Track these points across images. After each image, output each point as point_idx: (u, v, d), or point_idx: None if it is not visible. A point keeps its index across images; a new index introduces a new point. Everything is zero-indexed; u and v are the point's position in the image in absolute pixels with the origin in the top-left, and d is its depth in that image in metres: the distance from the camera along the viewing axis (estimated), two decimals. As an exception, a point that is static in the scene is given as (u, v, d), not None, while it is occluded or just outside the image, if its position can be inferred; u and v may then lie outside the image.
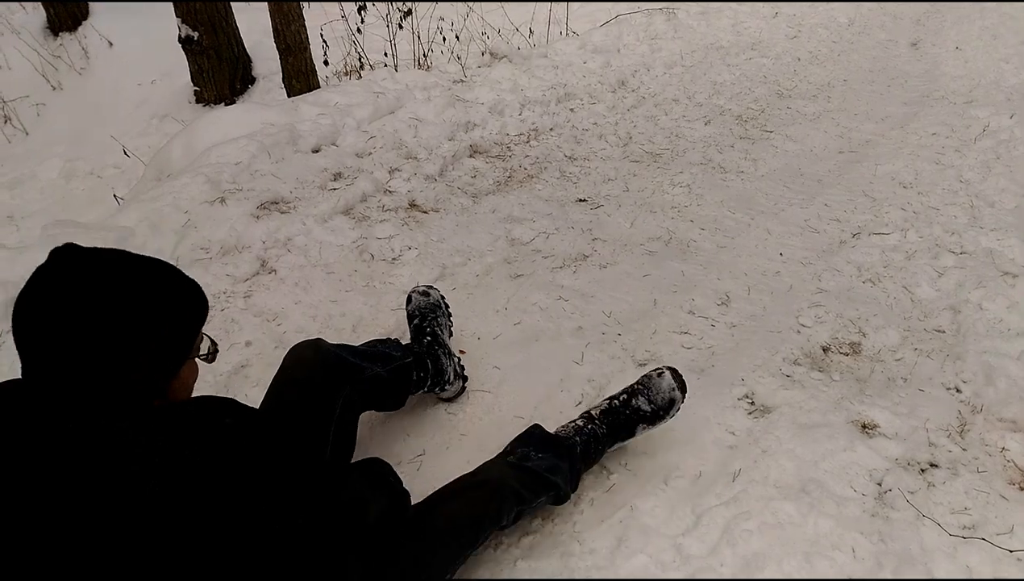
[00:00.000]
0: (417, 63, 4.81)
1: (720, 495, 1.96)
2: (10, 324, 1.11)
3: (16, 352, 1.11)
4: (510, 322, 2.62)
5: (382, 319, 2.57)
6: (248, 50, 5.61)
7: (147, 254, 1.24)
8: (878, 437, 2.18)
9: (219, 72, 5.38)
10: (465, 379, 2.29)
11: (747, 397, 2.35)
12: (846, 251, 3.19)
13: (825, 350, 2.61)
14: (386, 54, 4.80)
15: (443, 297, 2.42)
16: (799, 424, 2.21)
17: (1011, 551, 1.82)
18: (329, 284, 2.68)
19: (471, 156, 3.79)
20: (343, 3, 4.95)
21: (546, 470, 1.80)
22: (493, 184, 3.57)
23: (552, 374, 2.42)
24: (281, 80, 4.56)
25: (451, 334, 2.41)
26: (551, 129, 4.21)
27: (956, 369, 2.50)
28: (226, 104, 5.33)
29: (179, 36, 5.20)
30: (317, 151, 3.50)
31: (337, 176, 3.32)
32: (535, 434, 1.93)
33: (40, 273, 1.12)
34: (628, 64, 5.17)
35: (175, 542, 1.05)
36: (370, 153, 3.55)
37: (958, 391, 2.42)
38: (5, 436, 1.05)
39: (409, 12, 4.90)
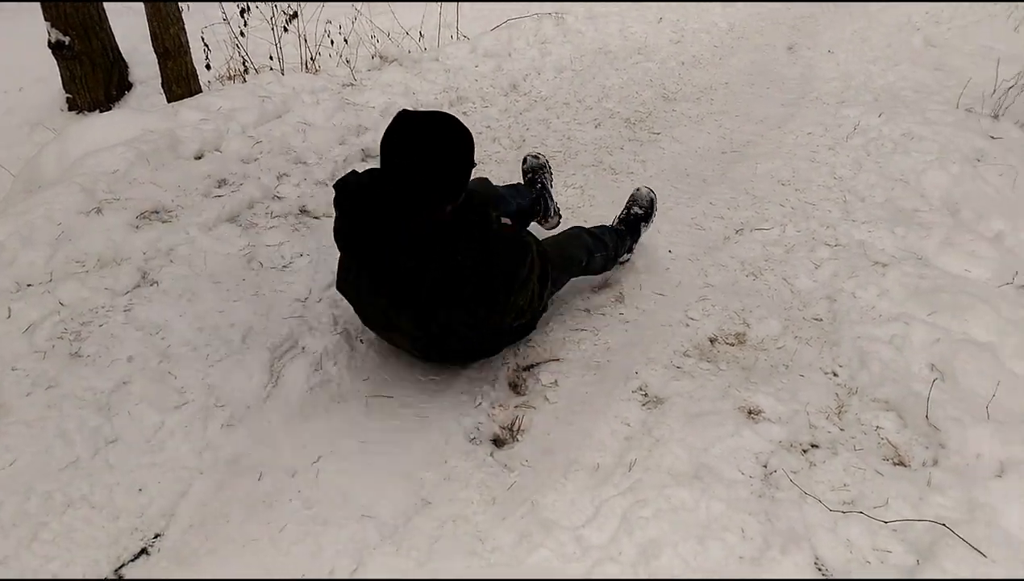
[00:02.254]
0: (304, 66, 4.70)
1: (617, 485, 2.01)
2: None
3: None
4: (407, 325, 2.60)
5: (273, 328, 2.50)
6: (125, 55, 5.36)
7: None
8: (763, 422, 2.28)
9: (93, 78, 5.11)
10: (560, 217, 3.35)
11: (641, 389, 2.42)
12: (730, 246, 3.32)
13: (712, 341, 2.72)
14: (271, 57, 4.67)
15: (548, 160, 3.46)
16: (690, 413, 2.29)
17: (886, 522, 1.93)
18: (216, 294, 2.59)
19: (363, 160, 3.74)
20: (224, 3, 4.80)
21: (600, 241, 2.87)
22: (386, 188, 3.54)
23: (453, 376, 2.42)
24: (160, 85, 4.38)
25: (552, 184, 3.43)
26: (444, 132, 4.20)
27: (833, 355, 2.65)
28: (101, 111, 5.07)
29: (49, 41, 4.91)
30: (200, 157, 3.37)
31: (222, 182, 3.21)
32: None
33: (402, 119, 1.91)
34: (519, 68, 5.22)
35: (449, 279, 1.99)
36: (256, 158, 3.45)
37: (835, 375, 2.56)
38: (366, 207, 2.01)
39: (295, 15, 4.79)
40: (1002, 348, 2.65)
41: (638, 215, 3.20)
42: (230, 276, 2.69)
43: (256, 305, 2.58)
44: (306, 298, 2.66)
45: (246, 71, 4.59)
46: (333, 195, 2.10)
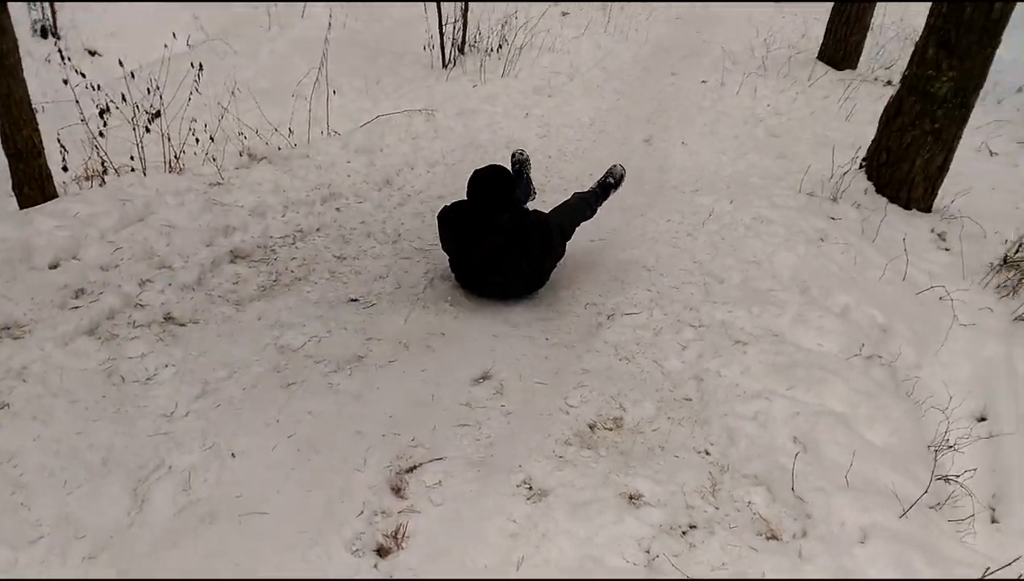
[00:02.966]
0: (168, 166, 4.59)
1: (506, 587, 1.99)
2: None
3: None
4: (283, 435, 2.52)
5: (137, 447, 2.36)
6: (-30, 156, 5.07)
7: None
8: (644, 506, 2.33)
9: (-66, 181, 4.80)
10: (535, 195, 4.93)
11: (525, 483, 2.43)
12: (603, 332, 3.43)
13: (592, 427, 2.78)
14: (133, 158, 4.54)
15: (528, 155, 5.04)
16: (573, 503, 2.32)
17: (764, 598, 2.00)
18: (73, 414, 2.43)
19: (232, 261, 3.66)
20: (82, 104, 4.65)
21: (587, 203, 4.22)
22: (258, 289, 3.47)
23: (332, 485, 2.35)
24: (11, 189, 4.15)
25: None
26: (318, 230, 4.19)
27: (704, 433, 2.76)
28: (-56, 216, 4.74)
29: None
30: (55, 266, 3.21)
31: (79, 293, 3.06)
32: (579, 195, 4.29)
33: (483, 172, 3.50)
34: (392, 163, 5.30)
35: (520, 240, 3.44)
36: (117, 265, 3.31)
37: (707, 454, 2.66)
38: (468, 220, 3.47)
39: (158, 113, 4.70)
40: (855, 418, 2.85)
41: (610, 183, 4.44)
42: (89, 393, 2.54)
43: (118, 423, 2.44)
44: (172, 412, 2.54)
45: (105, 172, 4.43)
46: (436, 225, 3.71)
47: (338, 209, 4.51)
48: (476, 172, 3.50)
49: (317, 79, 6.04)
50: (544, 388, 2.99)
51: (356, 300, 3.53)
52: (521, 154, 4.87)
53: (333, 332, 3.19)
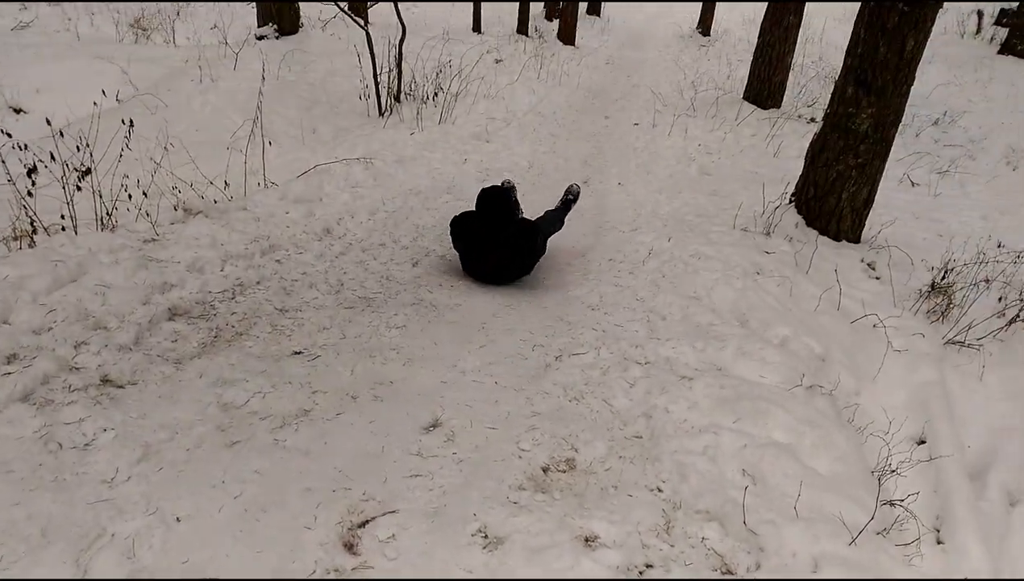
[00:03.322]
0: (100, 224, 4.48)
1: (465, 641, 1.95)
2: None
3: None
4: (230, 495, 2.45)
5: (77, 516, 2.26)
6: None
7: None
8: (600, 548, 2.33)
9: None
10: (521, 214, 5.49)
11: (481, 531, 2.41)
12: (552, 373, 3.45)
13: (545, 470, 2.77)
14: (63, 217, 4.42)
15: (514, 185, 5.81)
16: (530, 549, 2.30)
17: (723, 635, 2.01)
18: (8, 485, 2.32)
19: (171, 319, 3.57)
20: (8, 163, 4.52)
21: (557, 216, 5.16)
22: (198, 347, 3.39)
23: (283, 545, 2.29)
24: (-67, 253, 4.00)
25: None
26: (258, 283, 4.12)
27: (656, 470, 2.78)
28: None
29: None
30: (-16, 331, 3.08)
31: (11, 358, 2.94)
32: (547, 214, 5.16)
33: (491, 191, 4.53)
34: (332, 212, 5.27)
35: (519, 248, 4.49)
36: (50, 328, 3.20)
37: (660, 491, 2.68)
38: (478, 226, 4.47)
39: (88, 170, 4.59)
40: (800, 448, 2.91)
41: (570, 200, 5.40)
42: (25, 463, 2.43)
43: (56, 492, 2.33)
44: (113, 478, 2.45)
45: (35, 233, 4.29)
46: (449, 229, 4.65)
47: (278, 261, 4.45)
48: (484, 191, 4.51)
49: (252, 131, 6.00)
50: (495, 433, 2.98)
51: (300, 353, 3.48)
52: (509, 182, 5.82)
53: (277, 387, 3.13)
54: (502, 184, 5.64)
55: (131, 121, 4.78)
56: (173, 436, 2.70)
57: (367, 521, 2.45)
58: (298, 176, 5.80)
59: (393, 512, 2.49)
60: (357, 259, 4.67)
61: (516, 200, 5.29)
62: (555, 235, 5.06)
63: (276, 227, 4.86)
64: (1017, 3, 12.06)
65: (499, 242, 4.43)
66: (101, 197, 4.54)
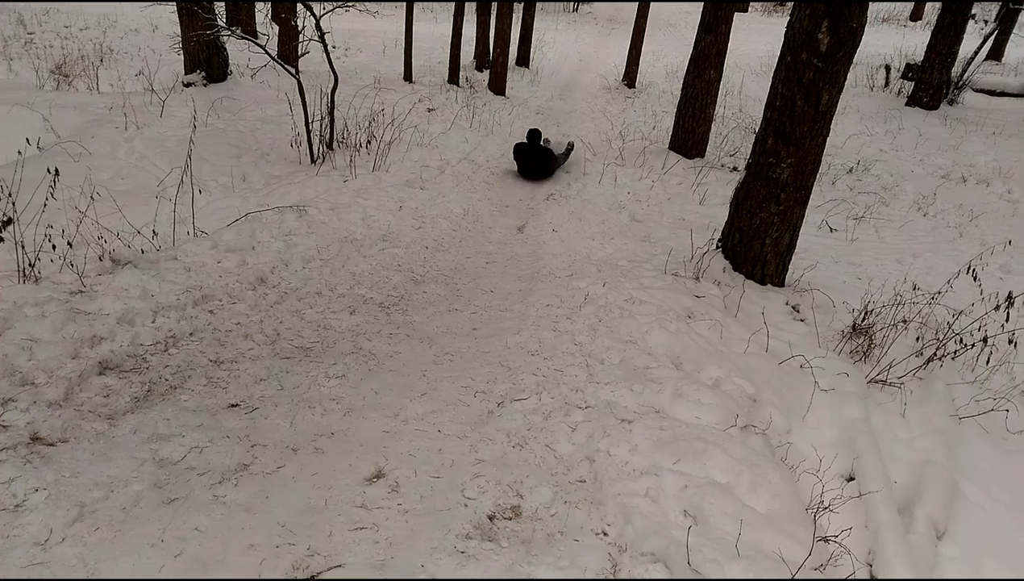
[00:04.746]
0: (23, 276, 4.33)
1: None
2: None
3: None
4: (170, 555, 2.38)
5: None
6: None
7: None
8: (551, 595, 2.34)
9: None
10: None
11: (429, 583, 2.39)
12: (494, 420, 3.46)
13: (491, 518, 2.78)
14: (-17, 268, 4.26)
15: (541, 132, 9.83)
16: (481, 600, 2.29)
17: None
18: (-72, 553, 2.20)
19: (101, 373, 3.46)
20: (-77, 214, 4.33)
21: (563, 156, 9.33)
22: (131, 401, 3.29)
23: (224, 605, 2.23)
24: None
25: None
26: (191, 334, 4.03)
27: (600, 514, 2.82)
28: None
29: None
30: (-101, 391, 2.93)
31: (-70, 418, 2.81)
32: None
33: (532, 134, 8.74)
34: (265, 261, 5.21)
35: (544, 160, 8.72)
36: (-27, 385, 3.07)
37: (605, 535, 2.71)
38: (526, 148, 8.67)
39: (9, 221, 4.44)
40: (738, 486, 2.99)
41: (570, 148, 9.29)
42: (-54, 529, 2.31)
43: (-19, 560, 2.23)
44: (46, 540, 2.35)
45: (-49, 285, 4.12)
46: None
47: (211, 311, 4.37)
48: (530, 131, 8.70)
49: (181, 178, 5.91)
50: (440, 482, 2.97)
51: (237, 405, 3.41)
52: (537, 130, 8.80)
53: (215, 441, 3.06)
54: (534, 131, 8.75)
55: (56, 170, 4.66)
56: (108, 494, 2.61)
57: (313, 577, 2.40)
58: (229, 224, 5.72)
59: (339, 566, 2.46)
60: (293, 308, 4.61)
61: (544, 138, 9.23)
62: (496, 279, 5.13)
63: (208, 277, 4.78)
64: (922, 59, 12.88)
65: (535, 157, 8.58)
66: (24, 248, 4.39)
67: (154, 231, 5.37)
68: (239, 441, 3.09)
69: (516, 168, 8.79)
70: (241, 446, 3.05)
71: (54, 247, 4.60)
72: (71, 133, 7.36)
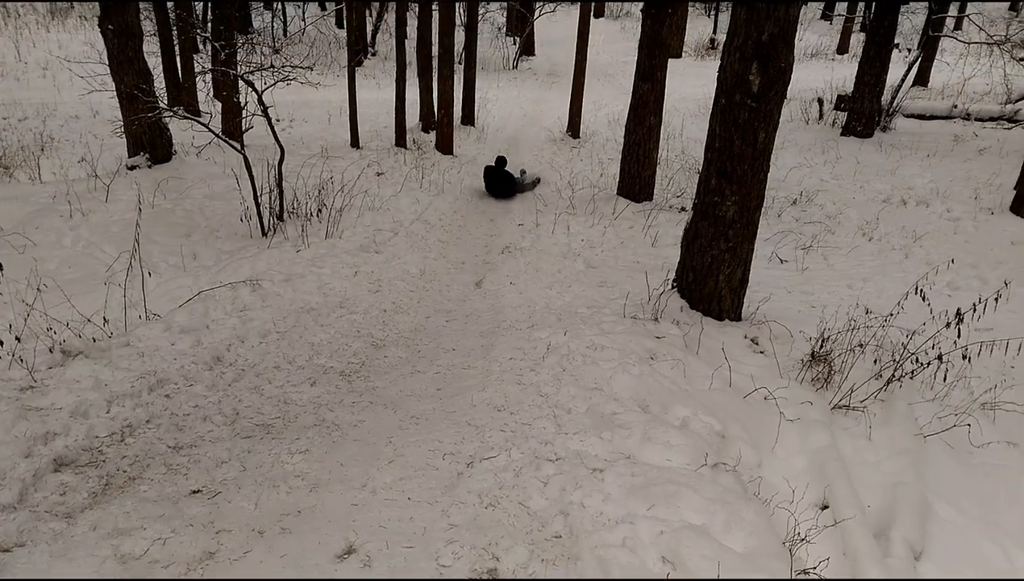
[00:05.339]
0: (-31, 374, 4.20)
1: None
2: None
3: None
4: (134, 658, 2.27)
5: None
6: None
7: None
8: (535, 659, 2.28)
9: None
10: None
11: (409, 659, 2.32)
12: (465, 481, 3.41)
13: (463, 585, 2.71)
14: (-73, 370, 4.13)
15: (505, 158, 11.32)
16: (464, 671, 2.23)
17: None
18: None
19: (56, 470, 3.35)
20: None
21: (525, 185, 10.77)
22: (89, 497, 3.18)
23: None
24: None
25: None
26: (147, 422, 3.93)
27: (578, 570, 2.78)
28: None
29: None
30: None
31: None
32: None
33: (496, 163, 10.46)
34: (220, 339, 5.13)
35: (507, 184, 10.37)
36: (-82, 495, 2.94)
37: (586, 590, 2.66)
38: (492, 172, 10.35)
39: (-48, 319, 4.33)
40: (714, 527, 2.98)
41: (536, 181, 10.78)
42: None
43: None
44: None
45: None
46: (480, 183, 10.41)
47: (167, 396, 4.27)
48: (498, 158, 10.39)
49: (130, 262, 5.82)
50: (413, 552, 2.91)
51: (199, 491, 3.32)
52: (503, 157, 10.52)
53: (178, 531, 2.96)
54: (500, 158, 10.44)
55: (0, 264, 4.56)
56: (67, 599, 2.50)
57: (288, 665, 2.32)
58: (181, 305, 5.64)
59: (315, 651, 2.37)
60: (252, 385, 4.53)
61: (506, 161, 10.44)
62: (455, 343, 5.15)
63: (163, 360, 4.68)
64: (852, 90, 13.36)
65: (500, 178, 10.19)
66: (-32, 346, 4.27)
67: (104, 318, 5.26)
68: (203, 528, 2.99)
69: (484, 186, 10.51)
70: (206, 533, 2.96)
71: (1, 343, 4.48)
72: (14, 225, 7.23)
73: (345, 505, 3.23)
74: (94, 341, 4.82)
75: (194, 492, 3.29)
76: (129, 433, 3.79)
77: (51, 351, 4.62)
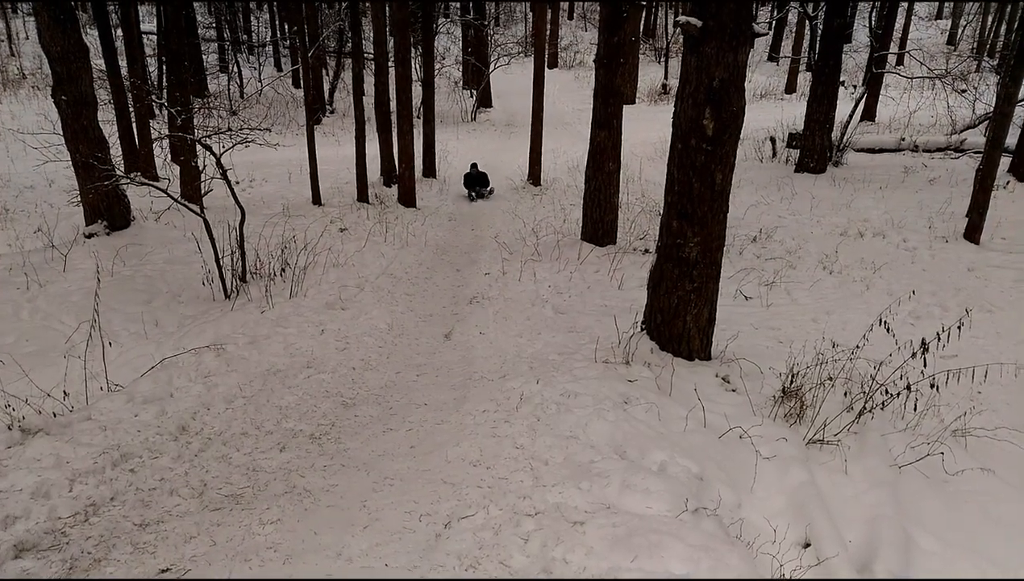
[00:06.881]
0: (-78, 460, 4.04)
1: None
2: None
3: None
4: None
5: None
6: None
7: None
8: None
9: None
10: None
11: None
12: (443, 543, 3.33)
13: (453, 652, 2.63)
14: None
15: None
16: None
17: None
18: None
19: (17, 556, 3.20)
20: None
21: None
22: (50, 583, 3.04)
23: None
24: None
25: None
26: (112, 499, 3.79)
27: (566, 628, 2.70)
28: None
29: None
30: None
31: None
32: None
33: (473, 166, 14.45)
34: (185, 407, 5.00)
35: (483, 182, 14.55)
36: None
37: (574, 650, 2.59)
38: (470, 174, 14.28)
39: (-96, 402, 4.18)
40: (698, 575, 2.93)
41: (491, 191, 14.55)
42: None
43: None
44: None
45: None
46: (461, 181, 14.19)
47: (132, 470, 4.14)
48: (472, 164, 14.26)
49: (90, 333, 5.69)
50: (393, 620, 2.81)
51: (167, 570, 3.19)
52: (475, 165, 14.26)
53: (146, 614, 2.84)
54: (473, 164, 13.96)
55: (-47, 343, 4.42)
56: None
57: None
58: (144, 374, 5.50)
59: None
60: (219, 454, 4.41)
61: (477, 165, 13.97)
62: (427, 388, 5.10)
63: (126, 433, 4.54)
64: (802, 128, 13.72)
65: (477, 178, 13.75)
66: (-80, 430, 4.11)
67: (64, 392, 5.12)
68: (173, 610, 2.87)
69: (465, 193, 13.91)
70: (175, 615, 2.84)
71: (-46, 425, 4.32)
72: (-32, 301, 7.05)
73: (319, 576, 3.13)
74: (54, 416, 4.67)
75: (163, 571, 3.17)
76: (93, 512, 3.65)
77: (10, 429, 4.47)
